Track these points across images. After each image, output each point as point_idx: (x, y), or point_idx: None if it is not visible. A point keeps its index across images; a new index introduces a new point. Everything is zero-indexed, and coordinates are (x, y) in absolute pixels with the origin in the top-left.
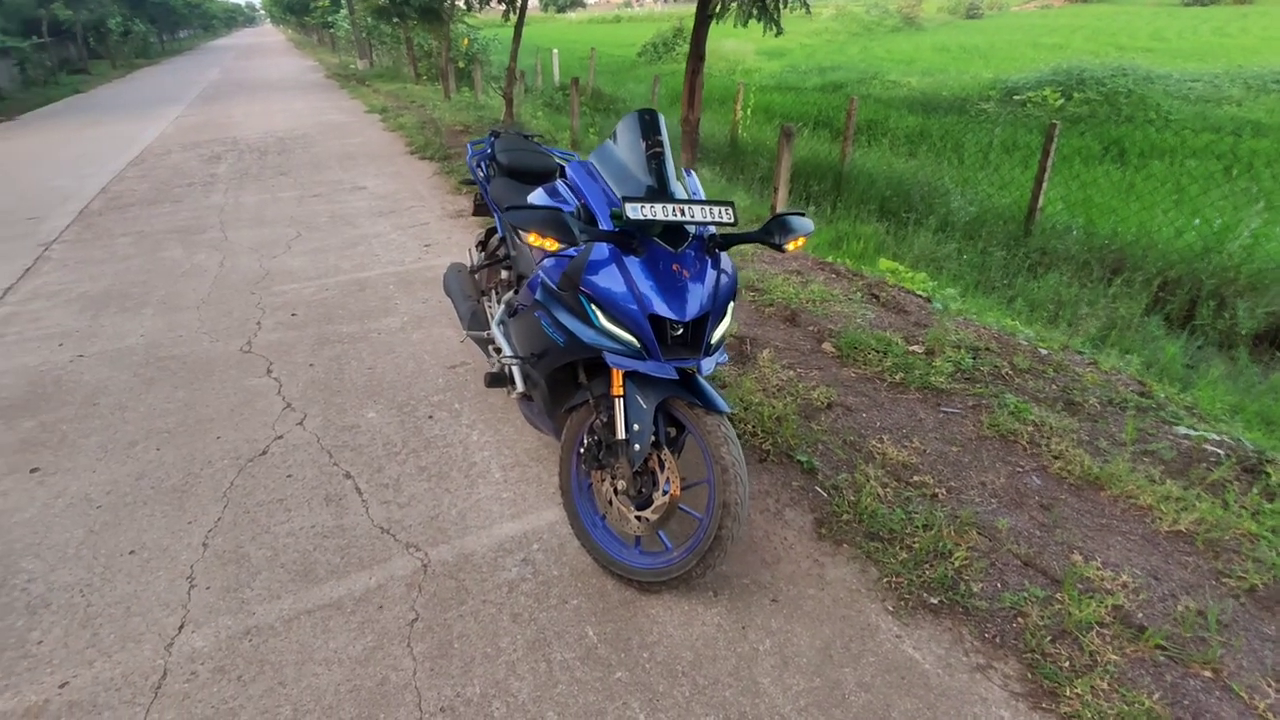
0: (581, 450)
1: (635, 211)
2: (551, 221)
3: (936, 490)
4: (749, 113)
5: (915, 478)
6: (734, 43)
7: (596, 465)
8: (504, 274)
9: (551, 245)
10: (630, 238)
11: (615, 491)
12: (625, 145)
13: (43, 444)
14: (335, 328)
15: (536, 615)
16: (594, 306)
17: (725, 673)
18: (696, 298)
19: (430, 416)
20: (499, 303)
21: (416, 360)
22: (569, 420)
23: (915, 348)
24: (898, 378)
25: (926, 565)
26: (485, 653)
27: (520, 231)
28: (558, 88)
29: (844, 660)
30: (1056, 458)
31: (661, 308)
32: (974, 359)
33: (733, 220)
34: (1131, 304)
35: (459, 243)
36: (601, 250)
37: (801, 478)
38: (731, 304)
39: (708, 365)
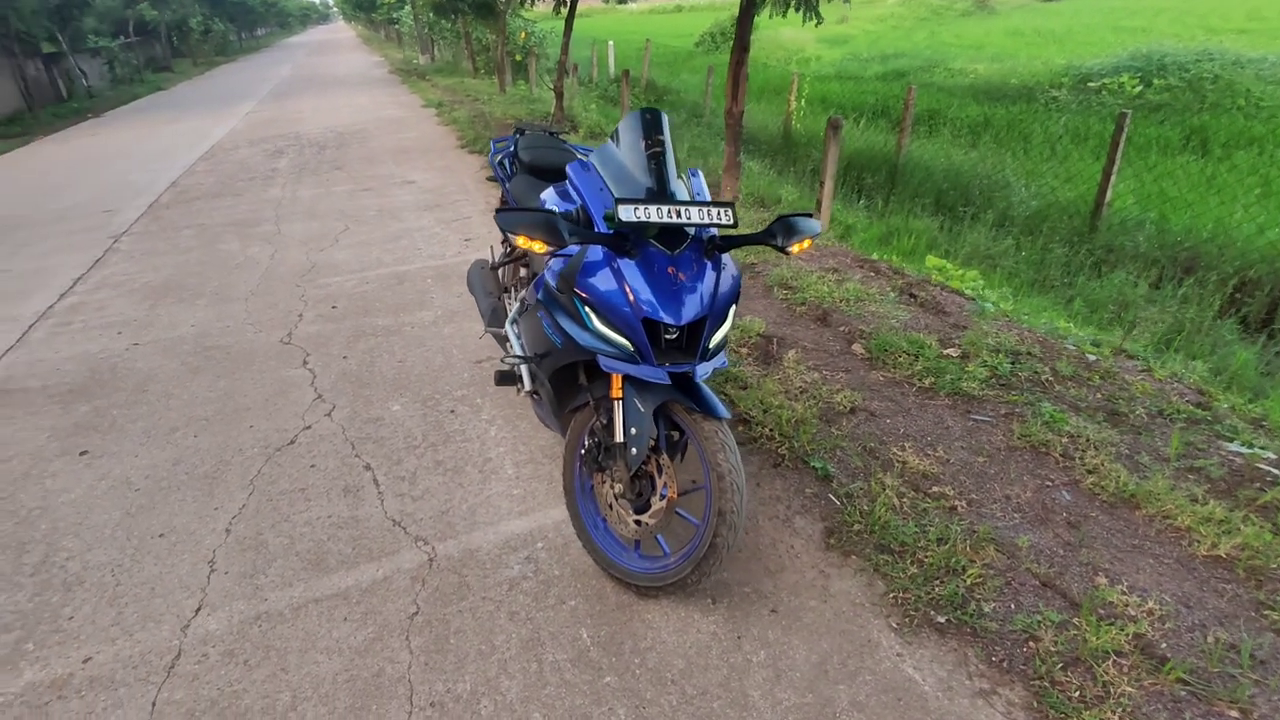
0: (583, 452)
1: (628, 213)
2: (539, 224)
3: (956, 502)
4: (803, 103)
5: (935, 488)
6: (792, 31)
7: (597, 467)
8: (522, 271)
9: (540, 247)
10: (624, 240)
11: (614, 494)
12: (626, 145)
13: (94, 428)
14: (371, 320)
15: (533, 615)
16: (588, 309)
17: (715, 683)
18: (692, 301)
19: (452, 411)
20: (516, 300)
21: (445, 354)
22: (573, 421)
23: (950, 351)
24: (927, 382)
25: (937, 581)
26: (480, 650)
27: (508, 234)
28: (612, 80)
29: (839, 677)
30: (1090, 472)
31: (655, 311)
32: (1012, 364)
33: (732, 222)
34: (1203, 306)
35: (498, 237)
36: (596, 252)
37: (815, 484)
38: (733, 308)
39: (703, 370)
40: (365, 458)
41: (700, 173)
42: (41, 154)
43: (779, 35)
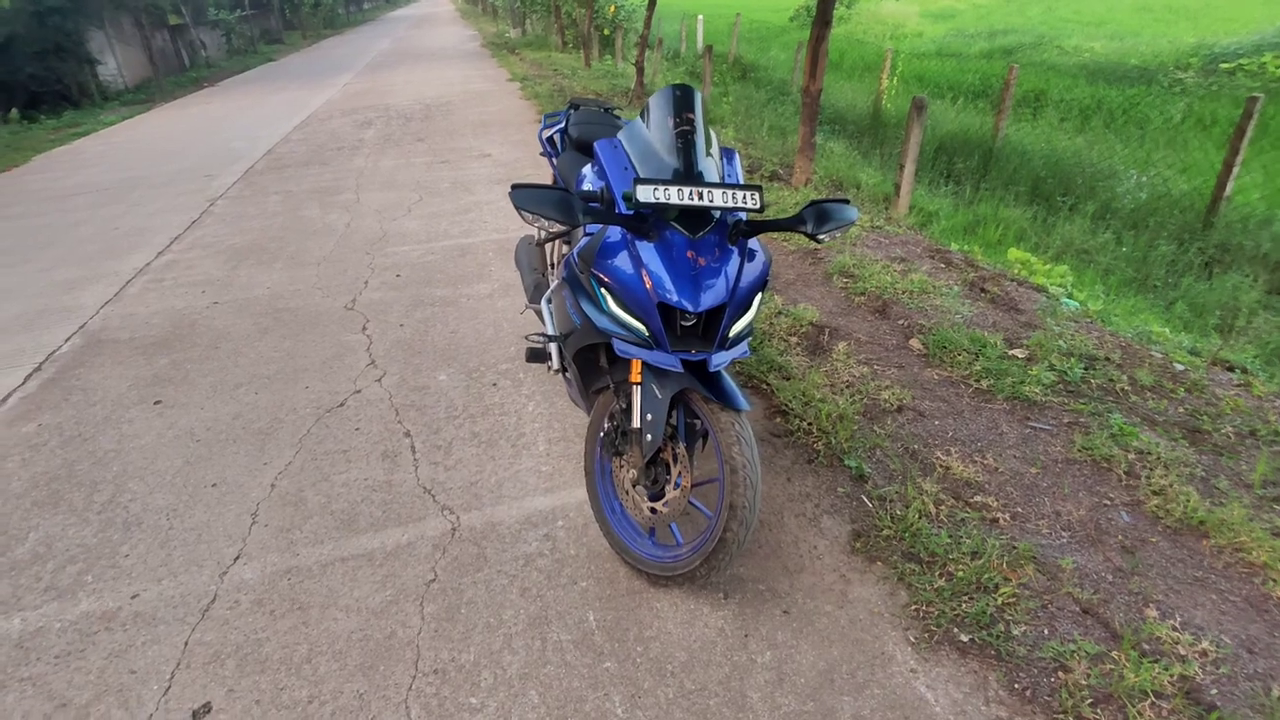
0: (602, 435)
1: (647, 194)
2: (553, 201)
3: (999, 515)
4: (895, 82)
5: (977, 497)
6: (894, 4)
7: (614, 452)
8: (565, 248)
9: (555, 226)
10: (643, 221)
11: (630, 480)
12: (655, 123)
13: (169, 380)
14: (431, 290)
15: (544, 592)
16: (604, 291)
17: (715, 680)
18: (712, 288)
19: (495, 384)
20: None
21: (495, 327)
22: (597, 402)
23: (1016, 351)
24: (985, 384)
25: (965, 597)
26: (488, 622)
27: (520, 210)
28: (699, 55)
29: (846, 688)
30: (1156, 493)
31: (671, 296)
32: (1085, 369)
33: (758, 206)
34: None
35: None
36: (615, 233)
37: (849, 484)
38: (759, 296)
39: (719, 360)
40: (407, 424)
41: (737, 154)
42: (161, 119)
43: (879, 9)
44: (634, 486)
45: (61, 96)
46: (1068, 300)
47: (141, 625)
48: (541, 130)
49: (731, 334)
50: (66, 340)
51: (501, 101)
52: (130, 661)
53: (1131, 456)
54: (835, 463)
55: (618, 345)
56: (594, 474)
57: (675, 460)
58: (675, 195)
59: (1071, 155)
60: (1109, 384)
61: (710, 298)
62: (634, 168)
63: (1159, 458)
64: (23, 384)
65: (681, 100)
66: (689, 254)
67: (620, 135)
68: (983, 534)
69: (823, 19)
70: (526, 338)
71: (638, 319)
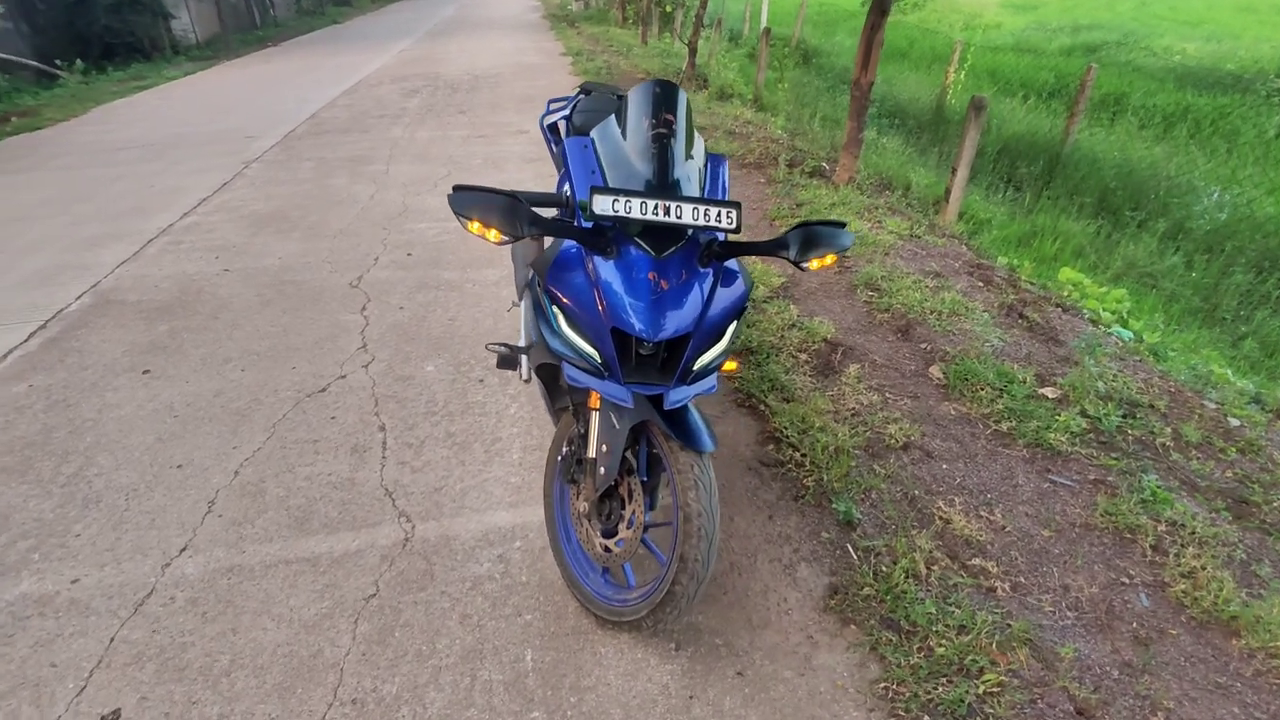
0: (560, 458)
1: (604, 205)
2: (495, 207)
3: (997, 584)
4: (962, 76)
5: (975, 560)
6: None
7: (570, 479)
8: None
9: (494, 236)
10: (602, 235)
11: (581, 512)
12: (630, 123)
13: (163, 348)
14: (438, 273)
15: (485, 622)
16: (556, 309)
17: None
18: (674, 314)
19: (481, 380)
20: None
21: (495, 317)
22: (561, 420)
23: (1047, 391)
24: (1005, 426)
25: (943, 679)
26: (420, 650)
27: (459, 216)
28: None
29: None
30: (1185, 575)
31: (625, 322)
32: (1123, 417)
33: (733, 226)
34: None
35: None
36: (571, 246)
37: (835, 529)
38: (733, 325)
39: (677, 396)
40: (384, 417)
41: (726, 162)
42: (220, 77)
43: None
44: (585, 519)
45: (134, 49)
46: (1120, 329)
47: (74, 614)
48: (544, 116)
49: (696, 367)
50: (77, 299)
51: (550, 76)
52: (54, 653)
53: (1162, 528)
54: (824, 502)
55: (567, 371)
56: (552, 497)
57: (631, 497)
58: (637, 208)
59: (1147, 166)
60: (1149, 437)
61: (672, 326)
62: (601, 173)
63: (1194, 532)
64: (25, 341)
65: (661, 99)
66: (650, 275)
67: (594, 133)
68: (975, 605)
69: (879, 7)
70: (487, 346)
71: (590, 343)
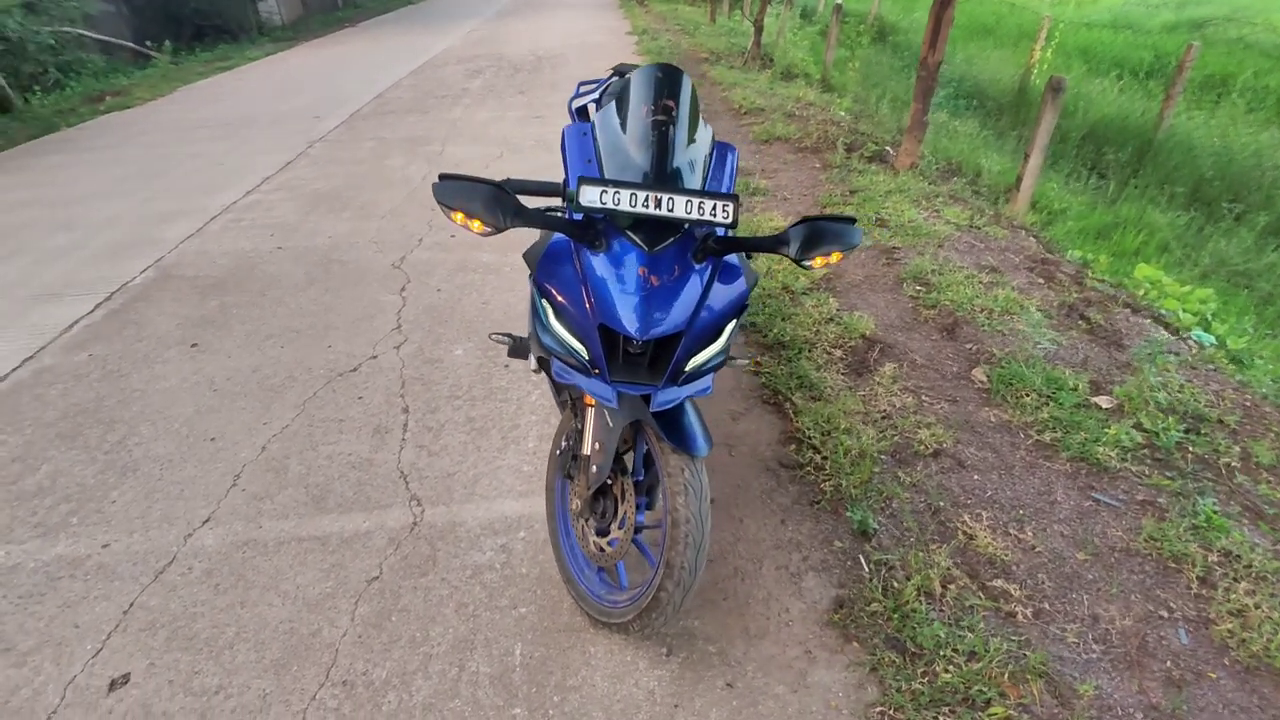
0: (559, 453)
1: (591, 196)
2: (479, 197)
3: (1019, 608)
4: (1049, 54)
5: (997, 581)
6: None
7: (566, 475)
8: None
9: (477, 227)
10: (591, 228)
11: (575, 510)
12: (630, 110)
13: (212, 323)
14: (478, 256)
15: (480, 613)
16: (545, 303)
17: None
18: (664, 312)
19: (507, 365)
20: None
21: (527, 302)
22: (564, 413)
23: (1100, 399)
24: (1049, 436)
25: (945, 709)
26: (413, 636)
27: (443, 207)
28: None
29: None
30: (1234, 614)
31: (613, 319)
32: (1185, 432)
33: (729, 220)
34: None
35: None
36: (562, 238)
37: (849, 539)
38: (731, 324)
39: (665, 397)
40: (408, 399)
41: (733, 152)
42: (298, 58)
43: None
44: (582, 517)
45: (223, 31)
46: (1200, 333)
47: (101, 578)
48: (573, 99)
49: (689, 368)
50: (141, 273)
51: (613, 56)
52: (78, 615)
53: (1214, 558)
54: (841, 509)
55: (555, 367)
56: (554, 491)
57: (624, 496)
58: (626, 200)
59: (1251, 154)
60: (1212, 455)
61: (662, 324)
62: (598, 161)
63: (1250, 566)
64: (90, 312)
65: (663, 84)
66: (640, 270)
67: (595, 119)
68: (990, 630)
69: None
70: (490, 336)
71: (578, 340)
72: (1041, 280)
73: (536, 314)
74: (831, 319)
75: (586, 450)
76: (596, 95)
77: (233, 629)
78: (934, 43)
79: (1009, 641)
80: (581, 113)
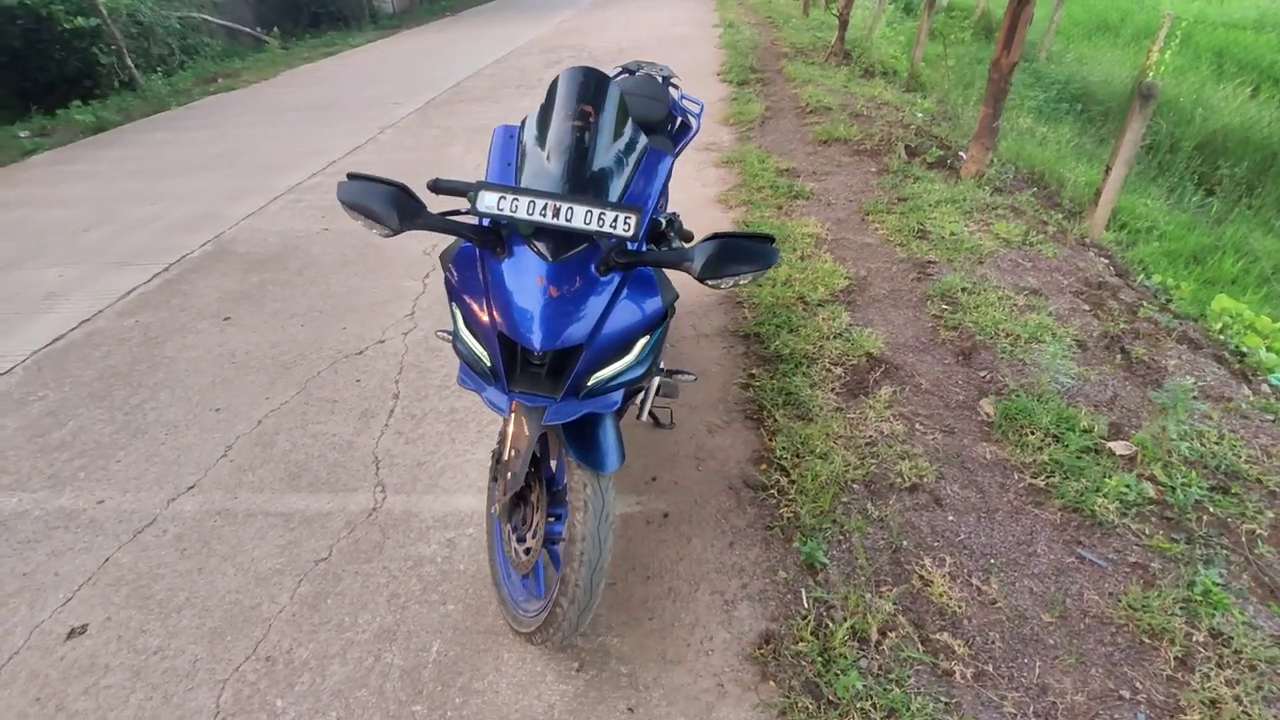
0: (493, 455)
1: (488, 202)
2: (378, 197)
3: (958, 668)
4: (1167, 56)
5: (942, 635)
6: None
7: (493, 478)
8: None
9: (378, 230)
10: (494, 233)
11: (496, 512)
12: (554, 113)
13: (249, 297)
14: None
15: (409, 604)
16: (455, 308)
17: None
18: (563, 324)
19: None
20: None
21: None
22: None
23: (1116, 445)
24: (1044, 480)
25: None
26: (341, 621)
27: (344, 206)
28: (941, 9)
29: None
30: (1208, 704)
31: (510, 327)
32: (1209, 491)
33: (630, 233)
34: None
35: (684, 176)
36: (469, 244)
37: (795, 571)
38: (642, 340)
39: (560, 411)
40: (401, 385)
41: (668, 159)
42: (395, 45)
43: None
44: (501, 522)
45: (337, 18)
46: (1278, 378)
47: (89, 531)
48: None
49: (591, 382)
50: (200, 246)
51: (693, 50)
52: (61, 564)
53: (1199, 637)
54: (794, 538)
55: (460, 373)
56: (490, 493)
57: (539, 505)
58: (524, 208)
59: None
60: (1235, 519)
61: (559, 336)
62: (517, 165)
63: (1240, 652)
64: (148, 281)
65: (585, 88)
66: (539, 280)
67: (526, 121)
68: (918, 688)
69: None
70: (436, 333)
71: (483, 346)
72: (1087, 307)
73: (451, 317)
74: (840, 334)
75: (505, 456)
76: None
77: (185, 593)
78: (1009, 43)
79: (936, 702)
80: None
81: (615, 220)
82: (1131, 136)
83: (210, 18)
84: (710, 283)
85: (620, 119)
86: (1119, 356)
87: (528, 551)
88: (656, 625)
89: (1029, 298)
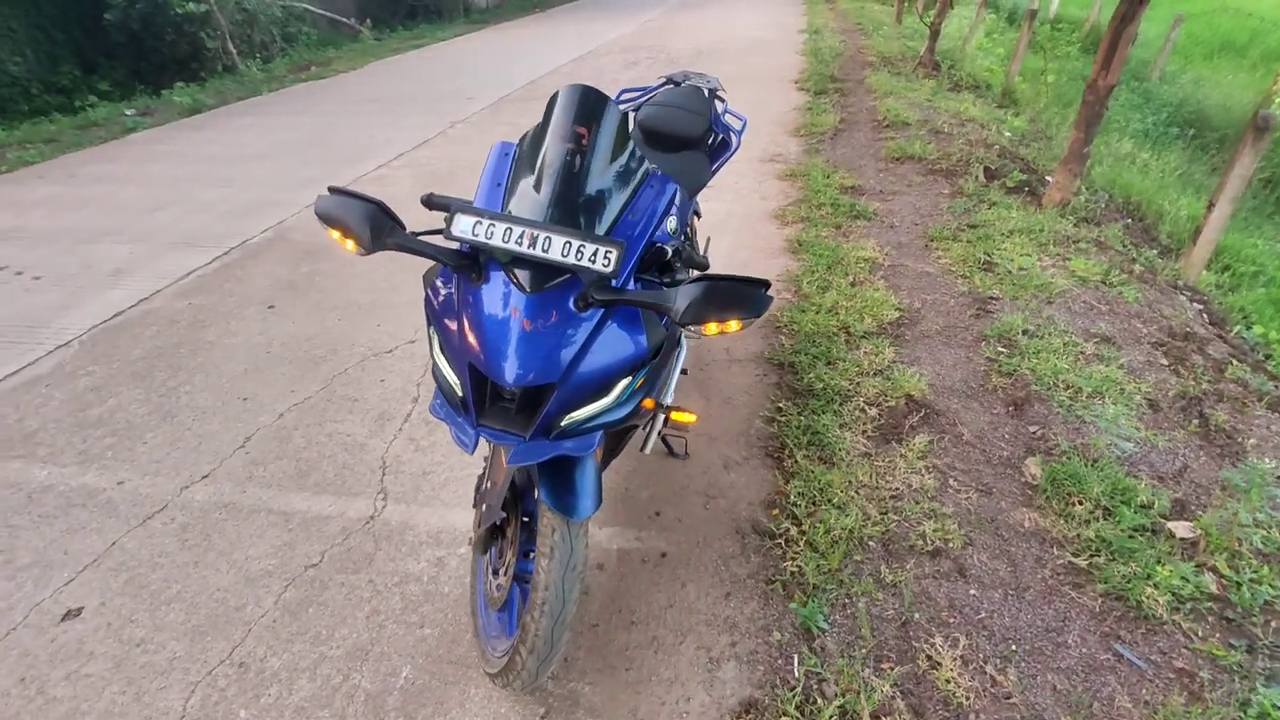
0: (478, 481)
1: (463, 227)
2: (355, 214)
3: None
4: None
5: None
6: None
7: (474, 504)
8: None
9: (352, 247)
10: (471, 258)
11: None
12: (549, 132)
13: (294, 287)
14: None
15: (386, 624)
16: (432, 330)
17: None
18: (535, 360)
19: None
20: None
21: None
22: None
23: (1177, 526)
24: (1087, 560)
25: None
26: (319, 633)
27: (322, 221)
28: (1050, 20)
29: None
30: None
31: (478, 359)
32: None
33: (609, 268)
34: None
35: (743, 190)
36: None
37: (791, 634)
38: (624, 382)
39: (531, 452)
40: (421, 389)
41: (673, 188)
42: (478, 41)
43: None
44: (477, 552)
45: (433, 11)
46: None
47: (104, 512)
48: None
49: (565, 423)
50: (261, 232)
51: (773, 55)
52: (72, 542)
53: None
54: (797, 596)
55: (434, 399)
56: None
57: (513, 540)
58: (500, 235)
59: None
60: None
61: (529, 372)
62: (507, 186)
63: None
64: (206, 264)
65: (581, 108)
66: (514, 311)
67: (524, 137)
68: None
69: None
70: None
71: (455, 375)
72: (1166, 361)
73: (429, 340)
74: (880, 371)
75: (484, 486)
76: (638, 104)
77: (178, 586)
78: (1108, 64)
79: None
80: None
81: (595, 254)
82: (1241, 171)
83: (311, 7)
84: (692, 329)
85: (619, 142)
86: (1195, 422)
87: (499, 587)
88: (633, 677)
89: (1099, 346)
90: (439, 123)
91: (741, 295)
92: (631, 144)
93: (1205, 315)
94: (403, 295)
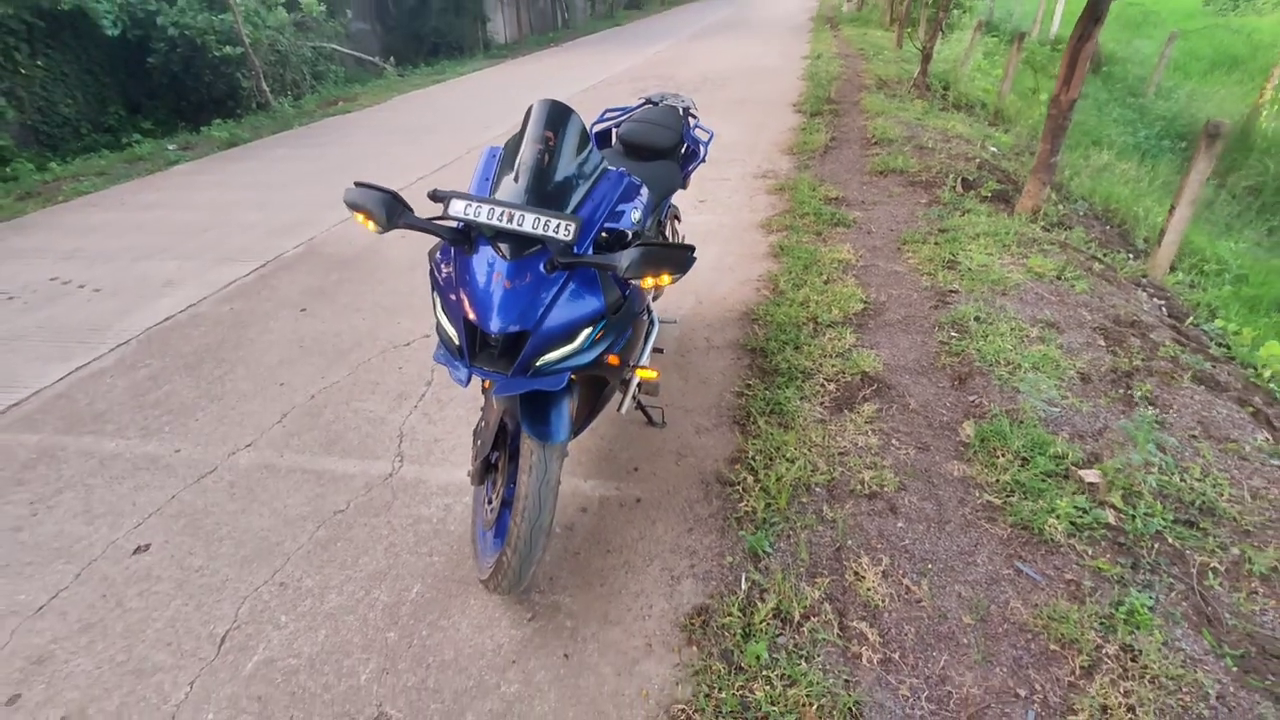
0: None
1: (458, 208)
2: (374, 201)
3: (865, 653)
4: None
5: (860, 624)
6: None
7: (472, 443)
8: None
9: (371, 226)
10: (465, 234)
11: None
12: (525, 135)
13: (324, 292)
14: None
15: (402, 554)
16: (435, 294)
17: (451, 691)
18: (513, 311)
19: None
20: None
21: None
22: None
23: (1087, 473)
24: (1002, 499)
25: None
26: (344, 561)
27: (349, 207)
28: (1049, 41)
29: None
30: (1101, 709)
31: (471, 313)
32: (1172, 523)
33: (569, 237)
34: None
35: (734, 204)
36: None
37: (741, 557)
38: (585, 331)
39: (508, 384)
40: (434, 374)
41: (625, 178)
42: (499, 74)
43: None
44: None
45: (454, 48)
46: None
47: (164, 473)
48: (594, 123)
49: (539, 363)
50: (294, 247)
51: (776, 80)
52: (139, 497)
53: (1110, 649)
54: (749, 529)
55: (436, 349)
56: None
57: (502, 471)
58: (485, 214)
59: None
60: (1193, 551)
61: (509, 321)
62: (493, 179)
63: (1147, 668)
64: (246, 275)
65: (550, 117)
66: (497, 275)
67: (508, 141)
68: (824, 665)
69: (1093, 12)
70: None
71: (453, 327)
72: (1104, 342)
73: (432, 302)
74: (841, 354)
75: (479, 426)
76: (618, 121)
77: (228, 528)
78: (1069, 80)
79: (835, 679)
80: (601, 136)
81: (559, 227)
82: (1196, 176)
83: (339, 48)
84: (633, 281)
85: (580, 143)
86: (1120, 391)
87: (492, 510)
88: (606, 590)
89: (1043, 330)
90: (456, 149)
91: (672, 256)
92: (591, 144)
93: (1164, 309)
94: (420, 299)
